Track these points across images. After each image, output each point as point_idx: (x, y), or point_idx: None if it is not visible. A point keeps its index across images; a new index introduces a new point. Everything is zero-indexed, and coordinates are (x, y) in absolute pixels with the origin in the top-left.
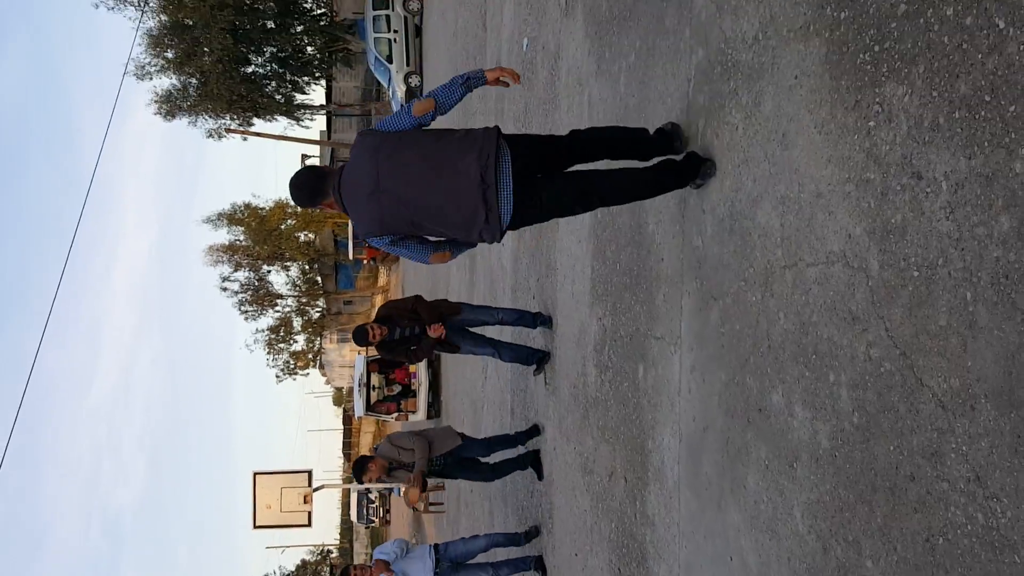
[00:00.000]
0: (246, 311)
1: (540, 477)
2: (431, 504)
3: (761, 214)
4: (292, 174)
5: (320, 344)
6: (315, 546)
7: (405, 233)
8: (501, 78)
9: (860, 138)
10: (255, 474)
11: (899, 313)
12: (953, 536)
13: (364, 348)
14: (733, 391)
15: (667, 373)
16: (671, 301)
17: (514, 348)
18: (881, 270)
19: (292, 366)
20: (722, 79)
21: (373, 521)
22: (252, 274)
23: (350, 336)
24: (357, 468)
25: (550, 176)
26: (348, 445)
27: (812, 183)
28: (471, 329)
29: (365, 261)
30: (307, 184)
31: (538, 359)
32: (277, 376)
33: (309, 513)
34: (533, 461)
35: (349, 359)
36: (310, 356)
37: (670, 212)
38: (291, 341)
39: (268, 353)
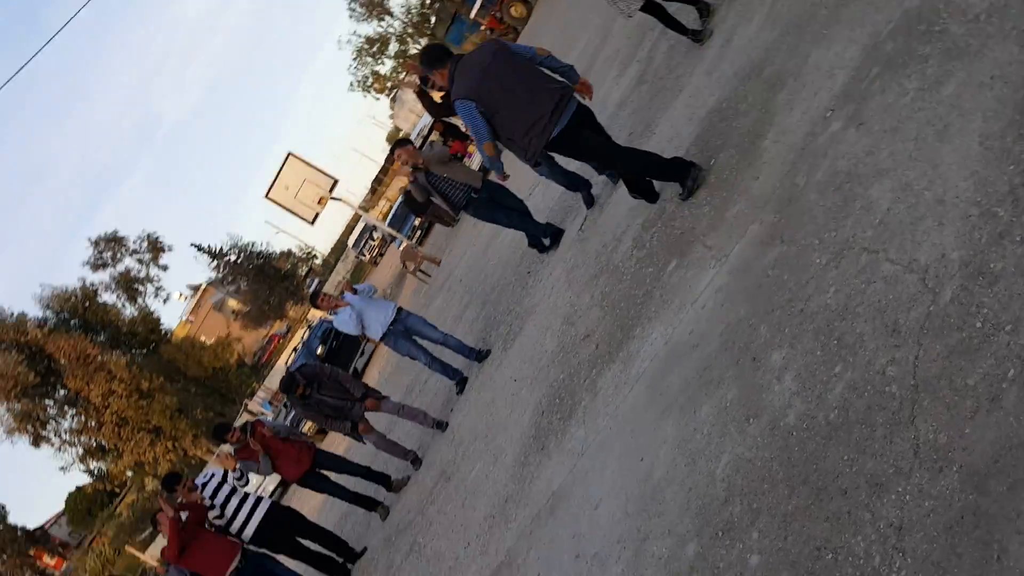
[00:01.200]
0: (354, 10)
1: (542, 249)
2: (420, 270)
3: (876, 189)
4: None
5: (403, 78)
6: (305, 245)
7: (486, 109)
8: (581, 91)
9: (1014, 170)
10: (289, 154)
11: (938, 350)
12: (842, 559)
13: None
14: (742, 329)
15: (694, 280)
16: (740, 220)
17: (571, 176)
18: (950, 303)
19: (369, 83)
20: (921, 39)
21: (365, 256)
22: None
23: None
24: (395, 145)
25: (593, 133)
26: (379, 181)
27: (942, 187)
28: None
29: (483, 28)
30: (435, 52)
31: (586, 196)
32: (351, 84)
33: (317, 214)
34: (555, 233)
35: (420, 110)
36: (388, 84)
37: (792, 139)
38: (380, 61)
39: (355, 59)
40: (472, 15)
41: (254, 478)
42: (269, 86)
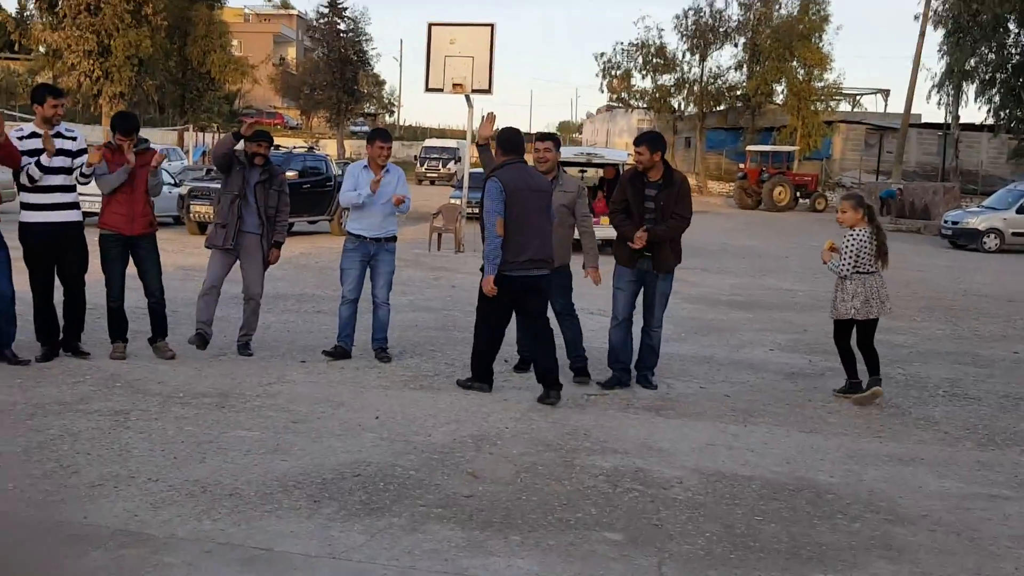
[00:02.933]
0: (682, 23)
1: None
2: (441, 233)
3: None
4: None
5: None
6: (396, 96)
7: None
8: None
9: None
10: (492, 25)
11: None
12: None
13: None
14: None
15: None
16: None
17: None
18: None
19: (614, 72)
20: None
21: (422, 167)
22: None
23: None
24: (547, 136)
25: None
26: None
27: None
28: None
29: (744, 167)
30: (517, 138)
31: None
32: (601, 55)
33: (439, 90)
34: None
35: (603, 137)
36: (624, 95)
37: None
38: (644, 71)
39: (630, 46)
40: (748, 147)
41: (93, 186)
42: None
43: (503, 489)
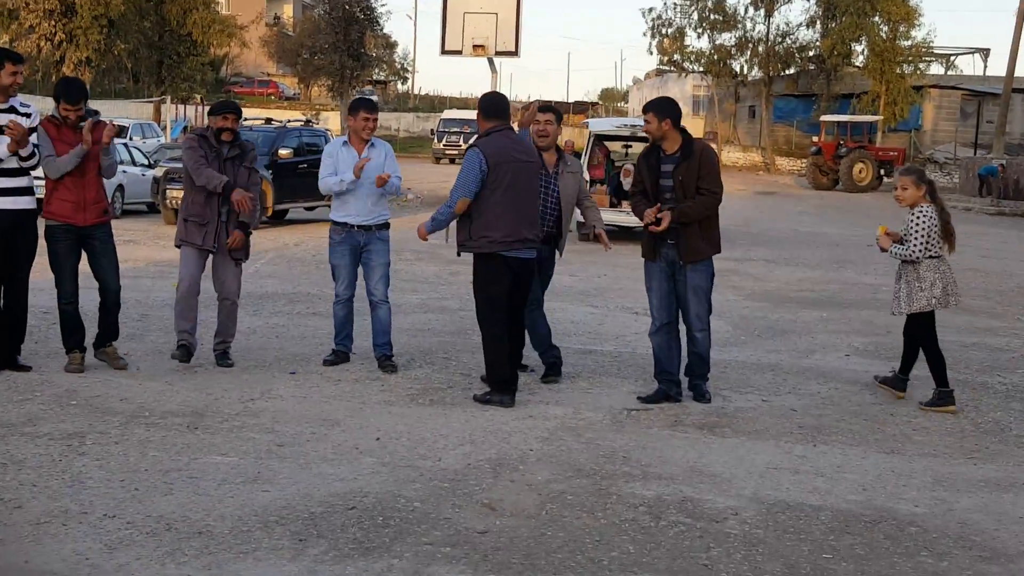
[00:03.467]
0: None
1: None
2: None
3: None
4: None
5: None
6: (408, 62)
7: (488, 182)
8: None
9: None
10: None
11: None
12: None
13: None
14: None
15: None
16: None
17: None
18: None
19: (664, 31)
20: None
21: (438, 144)
22: None
23: None
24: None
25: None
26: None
27: None
28: None
29: (817, 140)
30: (502, 104)
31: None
32: (648, 12)
33: (456, 52)
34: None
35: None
36: (675, 56)
37: None
38: (702, 28)
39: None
40: (823, 117)
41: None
42: None
43: (525, 523)
